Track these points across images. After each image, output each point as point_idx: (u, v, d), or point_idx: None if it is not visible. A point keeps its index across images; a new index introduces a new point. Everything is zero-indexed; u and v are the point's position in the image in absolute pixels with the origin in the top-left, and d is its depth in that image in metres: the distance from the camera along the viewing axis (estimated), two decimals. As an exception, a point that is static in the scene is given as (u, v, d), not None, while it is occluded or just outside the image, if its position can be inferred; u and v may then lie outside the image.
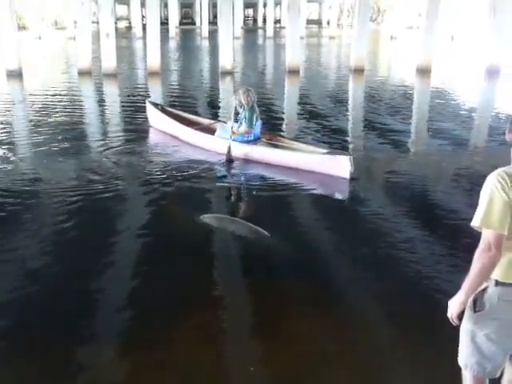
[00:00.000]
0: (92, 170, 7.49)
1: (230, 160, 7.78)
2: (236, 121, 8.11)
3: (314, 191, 6.87)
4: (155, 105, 10.17)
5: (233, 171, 7.68)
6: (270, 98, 14.13)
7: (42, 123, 10.80)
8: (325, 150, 7.49)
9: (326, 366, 3.41)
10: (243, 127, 8.03)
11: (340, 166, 6.92)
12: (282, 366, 3.44)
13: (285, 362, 3.47)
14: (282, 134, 9.16)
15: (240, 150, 7.86)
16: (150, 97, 10.69)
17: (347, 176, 6.88)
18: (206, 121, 9.50)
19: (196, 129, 8.80)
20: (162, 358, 3.46)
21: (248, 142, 7.97)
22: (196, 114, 10.68)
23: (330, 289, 4.46)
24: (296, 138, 8.77)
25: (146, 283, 4.47)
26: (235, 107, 8.08)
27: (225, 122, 8.87)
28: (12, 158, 8.03)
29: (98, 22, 21.91)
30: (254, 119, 8.01)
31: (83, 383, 3.31)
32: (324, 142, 8.98)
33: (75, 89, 16.25)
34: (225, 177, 7.52)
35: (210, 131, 8.68)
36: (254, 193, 6.82)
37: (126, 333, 3.82)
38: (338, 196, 6.93)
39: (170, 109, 10.18)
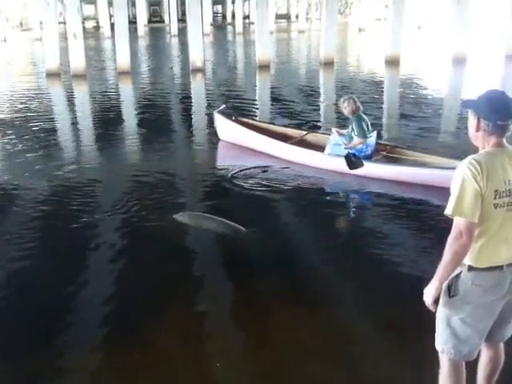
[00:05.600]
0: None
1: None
2: (342, 134, 7.23)
3: None
4: (227, 115, 8.64)
5: (361, 191, 6.79)
6: (241, 93, 14.12)
7: (11, 126, 10.62)
8: None
9: (309, 361, 3.42)
10: (355, 139, 7.02)
11: None
12: (264, 362, 3.46)
13: (266, 358, 3.49)
14: (401, 145, 7.72)
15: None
16: (218, 107, 9.23)
17: None
18: (294, 131, 8.31)
19: (291, 143, 7.71)
20: (143, 359, 3.46)
21: (365, 157, 6.89)
22: (271, 122, 9.43)
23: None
24: (418, 149, 7.48)
25: (123, 284, 4.47)
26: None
27: (318, 133, 7.99)
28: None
29: (64, 23, 21.54)
30: (365, 128, 7.01)
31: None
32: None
33: (45, 91, 15.96)
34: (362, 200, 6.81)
35: (304, 144, 7.68)
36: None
37: (107, 335, 3.81)
38: None
39: (244, 119, 8.77)
